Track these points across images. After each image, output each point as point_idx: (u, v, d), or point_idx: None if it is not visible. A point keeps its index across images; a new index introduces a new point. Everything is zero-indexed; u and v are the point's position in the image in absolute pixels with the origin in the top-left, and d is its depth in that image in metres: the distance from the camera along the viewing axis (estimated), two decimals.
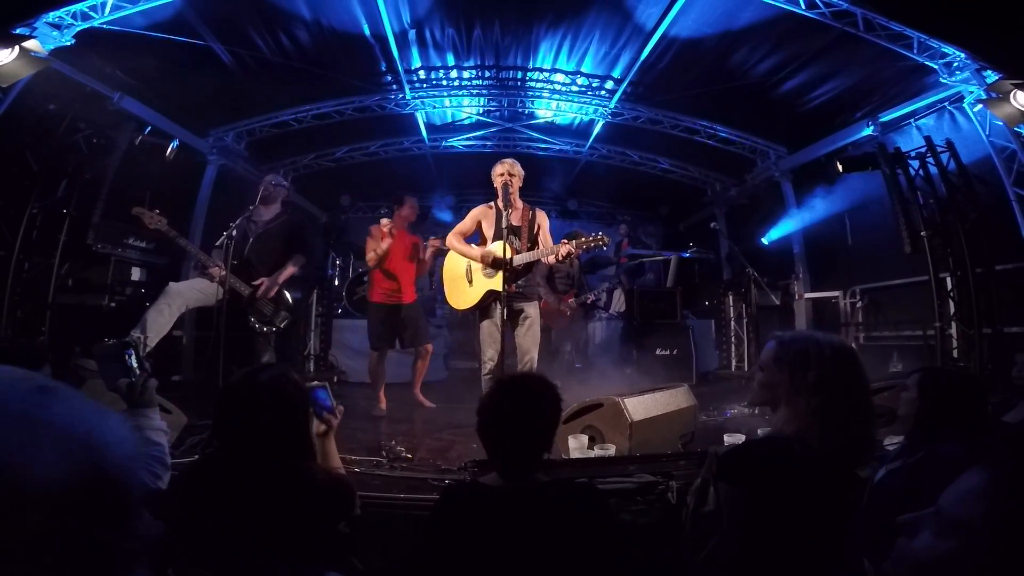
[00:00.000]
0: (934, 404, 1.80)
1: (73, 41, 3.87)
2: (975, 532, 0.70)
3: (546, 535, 1.36)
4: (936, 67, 4.29)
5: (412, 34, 5.10)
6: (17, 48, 3.39)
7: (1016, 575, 0.67)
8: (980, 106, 4.28)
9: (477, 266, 3.67)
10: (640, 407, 3.09)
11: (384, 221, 4.36)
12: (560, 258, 3.41)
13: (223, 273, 3.56)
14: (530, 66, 5.90)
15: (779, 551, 1.31)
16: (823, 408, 1.37)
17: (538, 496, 1.44)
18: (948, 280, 4.76)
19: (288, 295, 4.06)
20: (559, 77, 6.09)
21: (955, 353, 4.64)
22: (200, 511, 1.34)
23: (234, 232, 3.63)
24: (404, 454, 3.09)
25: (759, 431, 3.13)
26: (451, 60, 5.77)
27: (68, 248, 4.07)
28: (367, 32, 4.99)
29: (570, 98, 6.37)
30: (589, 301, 6.15)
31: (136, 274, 5.36)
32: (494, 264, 3.54)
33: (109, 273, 4.77)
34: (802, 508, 1.31)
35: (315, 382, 1.94)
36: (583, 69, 5.90)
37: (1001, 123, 4.15)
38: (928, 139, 4.69)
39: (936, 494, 0.77)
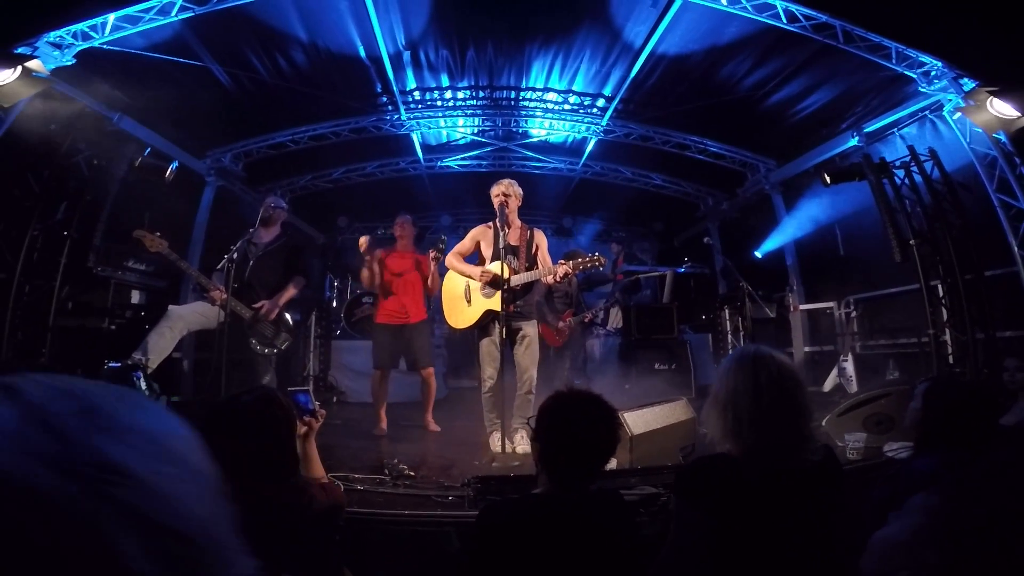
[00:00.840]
0: (939, 414, 1.77)
1: (74, 61, 3.91)
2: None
3: (596, 540, 1.40)
4: (915, 76, 4.42)
5: (407, 56, 5.21)
6: (19, 68, 3.42)
7: None
8: (959, 114, 4.38)
9: (476, 286, 3.71)
10: (640, 421, 3.12)
11: (362, 239, 4.32)
12: (558, 279, 3.45)
13: (224, 296, 3.57)
14: (523, 86, 6.02)
15: (743, 564, 1.36)
16: (727, 416, 1.45)
17: (589, 502, 1.48)
18: (939, 287, 4.82)
19: (289, 317, 4.07)
20: (551, 96, 6.21)
21: (951, 359, 4.68)
22: None
23: (235, 255, 3.66)
24: (406, 471, 3.08)
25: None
26: (445, 81, 5.88)
27: (68, 271, 4.08)
28: (363, 54, 5.10)
29: (563, 116, 6.49)
30: (587, 320, 6.18)
31: (136, 297, 5.37)
32: (492, 282, 3.58)
33: (109, 296, 4.77)
34: (754, 519, 1.36)
35: (297, 387, 1.97)
36: (575, 87, 6.03)
37: (980, 130, 4.26)
38: (911, 148, 4.80)
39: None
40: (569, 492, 1.49)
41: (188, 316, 3.84)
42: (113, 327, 4.59)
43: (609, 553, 1.39)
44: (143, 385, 1.80)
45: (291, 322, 4.10)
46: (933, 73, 4.38)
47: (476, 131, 6.91)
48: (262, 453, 1.50)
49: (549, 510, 1.45)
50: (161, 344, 3.63)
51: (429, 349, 4.62)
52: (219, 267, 3.75)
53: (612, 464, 2.97)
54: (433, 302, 4.67)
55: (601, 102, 6.23)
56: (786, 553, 1.34)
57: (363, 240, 4.31)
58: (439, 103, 6.26)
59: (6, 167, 3.73)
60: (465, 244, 3.87)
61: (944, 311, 4.77)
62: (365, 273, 4.39)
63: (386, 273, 4.47)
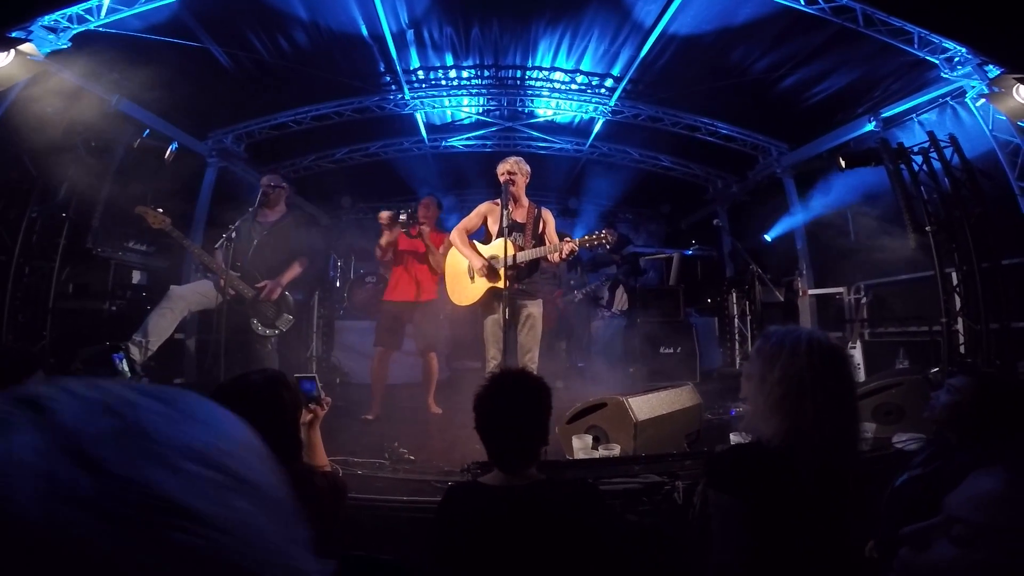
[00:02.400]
0: (983, 411, 1.66)
1: (70, 44, 3.84)
2: (996, 537, 0.67)
3: (543, 531, 1.36)
4: (937, 62, 4.26)
5: (410, 34, 5.08)
6: (13, 52, 3.39)
7: None
8: (983, 101, 4.25)
9: (478, 270, 3.66)
10: (644, 406, 3.07)
11: (384, 213, 4.22)
12: (563, 256, 3.38)
13: (225, 272, 3.55)
14: (529, 65, 5.87)
15: (777, 557, 1.29)
16: (785, 403, 1.34)
17: (535, 493, 1.45)
18: (954, 275, 4.72)
19: (290, 297, 4.04)
20: (558, 75, 6.06)
21: (962, 349, 4.61)
22: None
23: (233, 234, 3.62)
24: (407, 456, 3.07)
25: (731, 435, 3.09)
26: (450, 60, 5.74)
27: (68, 252, 4.06)
28: (365, 33, 4.98)
29: (570, 96, 6.35)
30: (577, 299, 6.13)
31: (136, 277, 5.35)
32: (490, 276, 3.53)
33: (109, 277, 4.76)
34: (792, 513, 1.29)
35: (303, 373, 1.94)
36: (582, 67, 5.88)
37: (1004, 118, 4.12)
38: (931, 134, 4.66)
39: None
40: (515, 478, 1.48)
41: (189, 296, 3.82)
42: (114, 308, 4.59)
43: (555, 542, 1.36)
44: (124, 367, 1.77)
45: (292, 302, 4.07)
46: (957, 59, 4.22)
47: (481, 111, 6.78)
48: (266, 435, 1.45)
49: (493, 498, 1.45)
50: (162, 325, 3.62)
51: (436, 332, 4.55)
52: (217, 245, 3.71)
53: (615, 451, 2.96)
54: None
55: (609, 82, 6.08)
56: (812, 545, 1.29)
57: (385, 215, 4.20)
58: (443, 82, 6.13)
59: (4, 150, 3.69)
60: (472, 219, 3.79)
61: (957, 299, 4.68)
62: (382, 244, 4.27)
63: (400, 252, 4.40)
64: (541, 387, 1.56)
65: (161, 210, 3.66)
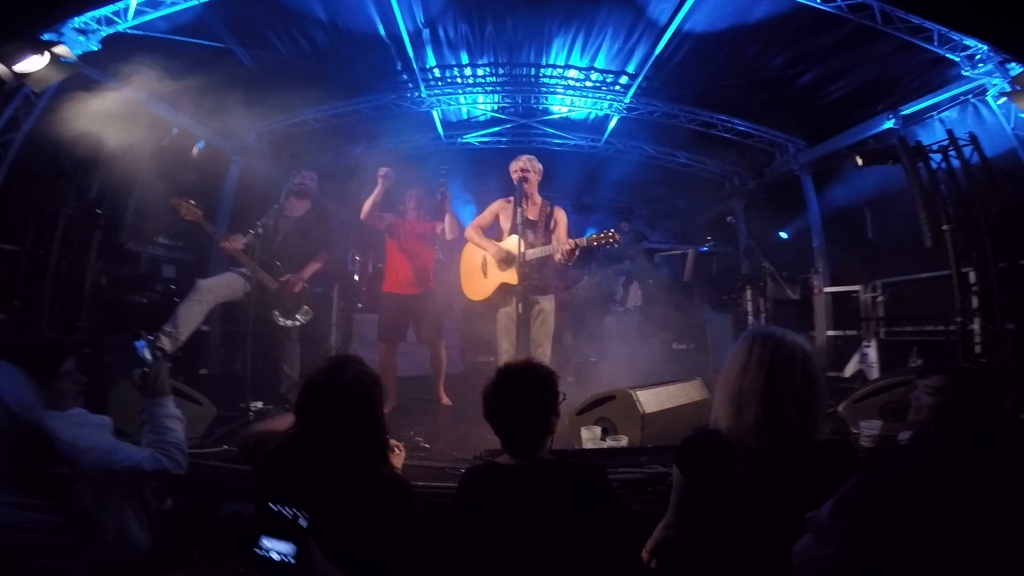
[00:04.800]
0: (957, 404, 1.79)
1: (100, 46, 3.99)
2: (840, 539, 0.72)
3: (551, 509, 1.46)
4: (958, 60, 4.21)
5: (426, 33, 5.17)
6: (48, 54, 3.51)
7: None
8: (1004, 99, 4.19)
9: (492, 259, 3.75)
10: (652, 399, 3.14)
11: (384, 169, 4.16)
12: (566, 255, 3.45)
13: (253, 265, 3.71)
14: (543, 62, 5.92)
15: (716, 530, 1.42)
16: (736, 395, 1.45)
17: (544, 473, 1.55)
18: (971, 274, 4.68)
19: (309, 291, 4.18)
20: (572, 73, 6.10)
21: (978, 349, 4.56)
22: (278, 487, 1.39)
23: (260, 230, 3.77)
24: (422, 444, 3.19)
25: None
26: (465, 58, 5.82)
27: (102, 247, 4.25)
28: (382, 32, 5.07)
29: (584, 93, 6.37)
30: (585, 286, 6.19)
31: (166, 271, 5.56)
32: (507, 260, 3.61)
33: (141, 270, 4.97)
34: (733, 499, 1.39)
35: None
36: (597, 65, 5.90)
37: None
38: (950, 132, 4.60)
39: (911, 475, 0.80)
40: (524, 459, 1.58)
41: (216, 288, 3.97)
42: (145, 300, 4.79)
43: (562, 521, 1.46)
44: (147, 354, 1.88)
45: (312, 296, 4.21)
46: (978, 57, 4.16)
47: (496, 108, 6.84)
48: (352, 426, 1.48)
49: (506, 477, 1.55)
50: (191, 316, 3.77)
51: (439, 320, 4.55)
52: (245, 241, 3.86)
53: (623, 442, 3.04)
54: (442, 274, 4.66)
55: (624, 79, 6.10)
56: (756, 537, 1.37)
57: (387, 171, 4.18)
58: (459, 80, 6.21)
59: (41, 150, 3.87)
60: (485, 217, 3.89)
61: (974, 299, 4.64)
62: (368, 204, 4.21)
63: (396, 242, 4.43)
64: (547, 377, 1.64)
65: (193, 203, 3.83)
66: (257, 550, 0.96)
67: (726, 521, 1.41)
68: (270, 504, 1.00)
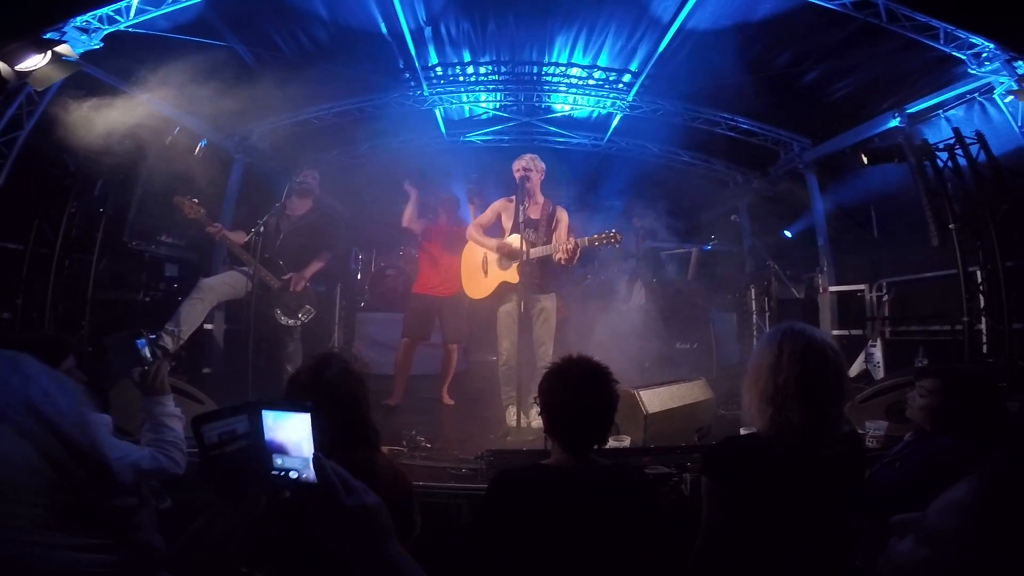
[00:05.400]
0: (954, 404, 1.79)
1: (101, 44, 3.98)
2: (950, 544, 0.70)
3: (606, 513, 1.41)
4: (964, 58, 4.16)
5: (428, 31, 5.16)
6: (49, 53, 3.51)
7: None
8: (1011, 97, 4.14)
9: (493, 257, 3.74)
10: (655, 399, 3.12)
11: (410, 188, 4.50)
12: (566, 254, 3.44)
13: (255, 263, 3.71)
14: (546, 61, 5.91)
15: (759, 545, 1.36)
16: (772, 395, 1.40)
17: (599, 475, 1.49)
18: (978, 274, 4.64)
19: (312, 289, 4.18)
20: (575, 71, 6.07)
21: (984, 349, 4.53)
22: None
23: (262, 228, 3.77)
24: (424, 443, 3.18)
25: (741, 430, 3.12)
26: (467, 56, 5.81)
27: (105, 245, 4.26)
28: (384, 30, 5.06)
29: (587, 92, 6.35)
30: (584, 283, 6.19)
31: (169, 270, 5.58)
32: (508, 255, 3.60)
33: (144, 269, 4.97)
34: (777, 502, 1.35)
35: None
36: (599, 63, 5.88)
37: None
38: (956, 131, 4.56)
39: (929, 492, 0.78)
40: (580, 460, 1.51)
41: (218, 287, 3.98)
42: (148, 299, 4.80)
43: (618, 528, 1.40)
44: (147, 352, 1.86)
45: (315, 295, 4.21)
46: (984, 55, 4.11)
47: (499, 106, 6.83)
48: (340, 424, 1.41)
49: (559, 479, 1.47)
50: (193, 315, 3.79)
51: (462, 325, 4.67)
52: (246, 240, 3.86)
53: (625, 442, 3.02)
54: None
55: (627, 77, 6.07)
56: (800, 538, 1.35)
57: (411, 189, 4.51)
58: (461, 78, 6.20)
59: (44, 148, 3.87)
60: (486, 215, 3.90)
61: (981, 298, 4.60)
62: (409, 213, 4.54)
63: (430, 246, 4.54)
64: (607, 374, 1.58)
65: (196, 201, 3.83)
66: (273, 472, 0.86)
67: (771, 523, 1.37)
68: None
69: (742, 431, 3.18)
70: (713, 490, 1.46)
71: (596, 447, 1.55)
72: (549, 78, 6.18)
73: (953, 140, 4.58)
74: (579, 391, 1.51)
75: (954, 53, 4.16)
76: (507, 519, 1.44)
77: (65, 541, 0.74)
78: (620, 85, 6.21)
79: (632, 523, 1.41)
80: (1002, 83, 4.17)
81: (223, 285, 3.98)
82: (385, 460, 1.58)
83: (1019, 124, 4.32)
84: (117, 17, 4.00)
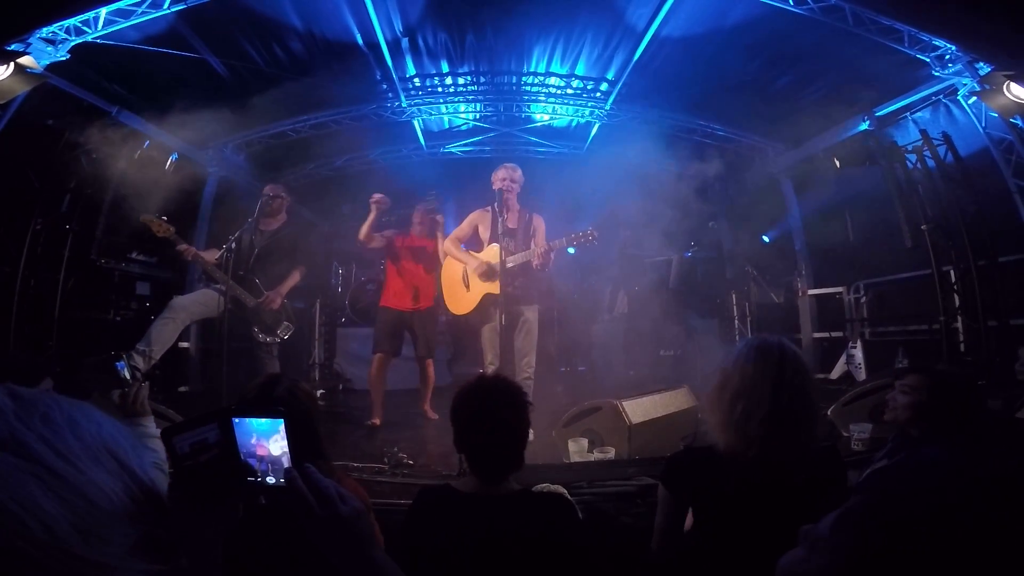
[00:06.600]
0: (930, 403, 1.79)
1: (68, 56, 3.89)
2: (828, 549, 0.69)
3: (514, 543, 1.34)
4: (928, 60, 4.28)
5: (405, 42, 5.14)
6: (12, 64, 3.43)
7: None
8: (975, 98, 4.26)
9: (473, 271, 3.70)
10: (639, 410, 3.09)
11: (378, 195, 4.18)
12: (543, 256, 3.42)
13: (227, 280, 3.60)
14: (524, 70, 5.92)
15: (715, 557, 1.34)
16: (735, 408, 1.35)
17: (509, 504, 1.42)
18: (951, 273, 4.73)
19: (290, 305, 4.09)
20: (553, 80, 6.11)
21: (962, 347, 4.61)
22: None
23: (233, 244, 3.67)
24: (406, 460, 3.10)
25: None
26: (445, 67, 5.80)
27: (72, 263, 4.13)
28: (360, 41, 5.03)
29: (566, 101, 6.39)
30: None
31: (141, 288, 5.42)
32: (487, 273, 3.57)
33: (113, 287, 4.82)
34: (729, 518, 1.33)
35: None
36: (577, 72, 5.92)
37: (997, 115, 4.14)
38: (924, 132, 4.68)
39: (916, 497, 0.76)
40: (492, 489, 1.43)
41: (190, 306, 3.87)
42: (118, 318, 4.65)
43: (526, 558, 1.32)
44: (126, 374, 1.79)
45: (293, 311, 4.11)
46: (947, 57, 4.24)
47: (478, 116, 6.83)
48: (293, 440, 1.42)
49: (464, 506, 1.41)
50: (165, 334, 3.67)
51: (434, 338, 4.53)
52: (219, 255, 3.76)
53: (611, 454, 2.98)
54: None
55: (604, 86, 6.12)
56: (756, 556, 1.31)
57: (379, 197, 4.16)
58: (439, 89, 6.19)
59: (6, 162, 3.75)
60: (463, 229, 3.86)
61: (956, 298, 4.68)
62: (365, 228, 4.22)
63: (396, 258, 4.42)
64: (518, 394, 1.50)
65: (165, 219, 3.72)
66: (250, 478, 0.85)
67: (726, 537, 1.34)
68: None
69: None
70: (665, 497, 1.46)
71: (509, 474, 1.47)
72: (528, 88, 6.21)
73: (921, 142, 4.69)
74: (488, 413, 1.44)
75: (918, 55, 4.27)
76: (418, 537, 1.40)
77: (131, 566, 0.74)
78: (598, 94, 6.26)
79: (543, 552, 1.34)
80: (965, 84, 4.29)
81: (196, 304, 3.87)
82: (339, 476, 1.57)
83: (983, 125, 4.45)
84: (85, 28, 3.92)
